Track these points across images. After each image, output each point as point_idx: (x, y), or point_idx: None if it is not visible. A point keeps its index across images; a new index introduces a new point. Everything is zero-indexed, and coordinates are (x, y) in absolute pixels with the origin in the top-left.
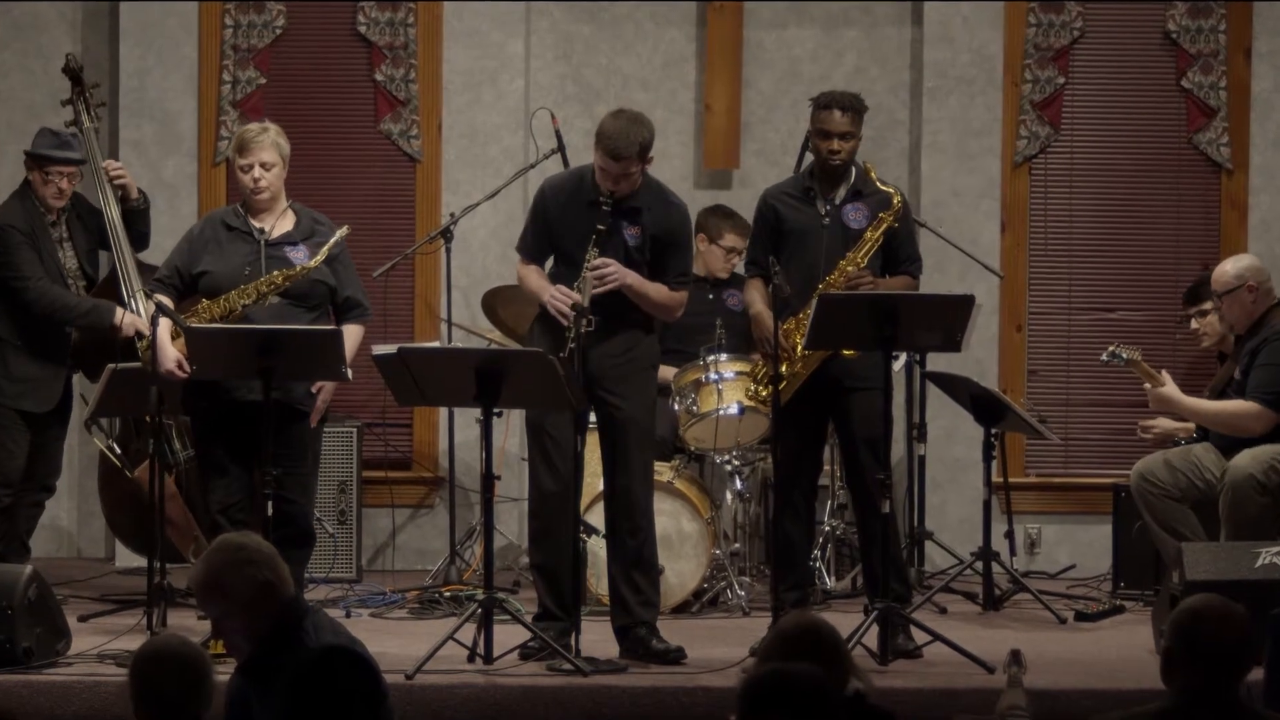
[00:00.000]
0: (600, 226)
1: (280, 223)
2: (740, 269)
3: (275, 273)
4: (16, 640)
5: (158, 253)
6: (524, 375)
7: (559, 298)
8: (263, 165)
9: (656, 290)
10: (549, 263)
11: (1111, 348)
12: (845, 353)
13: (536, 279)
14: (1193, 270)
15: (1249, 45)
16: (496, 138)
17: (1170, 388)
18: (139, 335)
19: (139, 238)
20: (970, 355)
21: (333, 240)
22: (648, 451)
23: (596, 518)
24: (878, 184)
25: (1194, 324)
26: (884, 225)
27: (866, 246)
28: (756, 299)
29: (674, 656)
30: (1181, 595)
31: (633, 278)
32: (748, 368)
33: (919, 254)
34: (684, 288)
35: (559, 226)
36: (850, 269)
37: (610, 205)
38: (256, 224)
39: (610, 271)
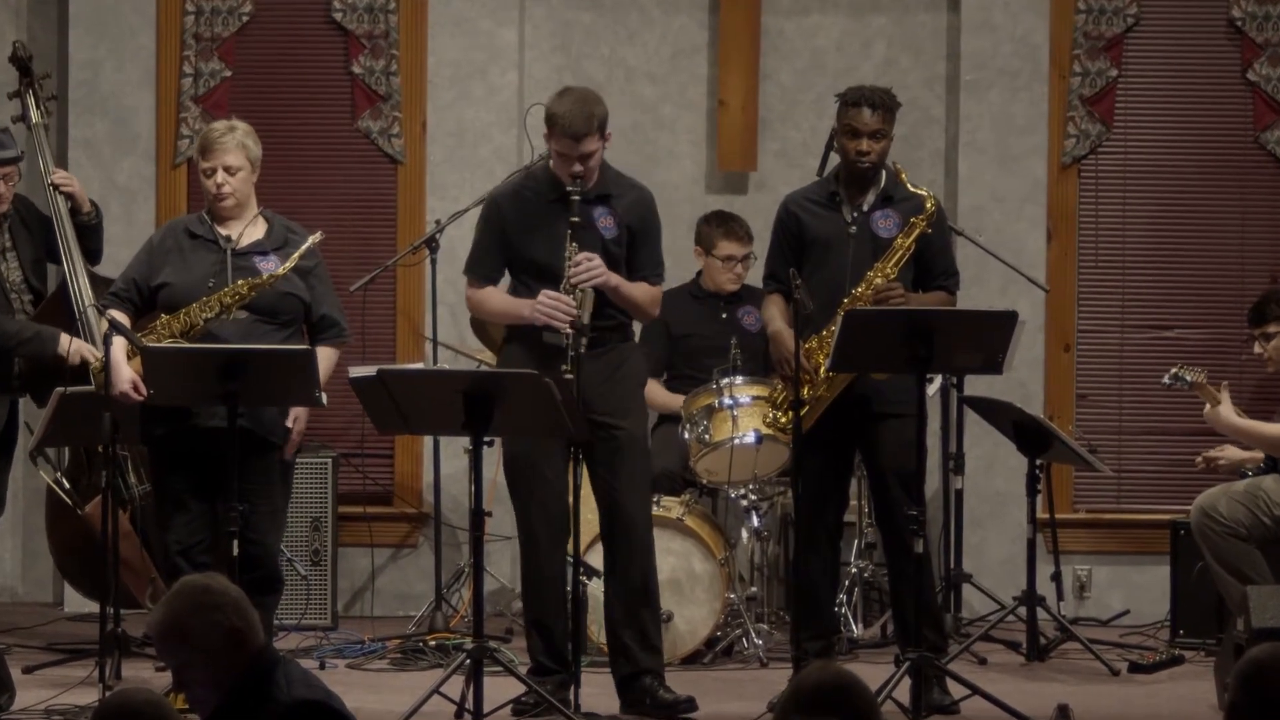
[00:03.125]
0: (574, 219)
1: (250, 231)
2: (751, 280)
3: (239, 282)
4: None
5: (111, 265)
6: (518, 399)
7: (548, 304)
8: (226, 169)
9: (640, 290)
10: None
11: (1174, 369)
12: (875, 375)
13: (503, 299)
14: (1260, 283)
15: None
16: (487, 137)
17: (1224, 407)
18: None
19: (89, 255)
20: (1013, 378)
21: (304, 246)
22: (649, 476)
23: (597, 559)
24: (910, 188)
25: (1257, 348)
26: (916, 231)
27: (897, 255)
28: (775, 316)
29: (684, 708)
30: (1247, 644)
31: (617, 279)
32: (765, 392)
33: (955, 266)
34: (661, 281)
35: (520, 235)
36: (879, 280)
37: (579, 194)
38: (223, 231)
39: (595, 264)
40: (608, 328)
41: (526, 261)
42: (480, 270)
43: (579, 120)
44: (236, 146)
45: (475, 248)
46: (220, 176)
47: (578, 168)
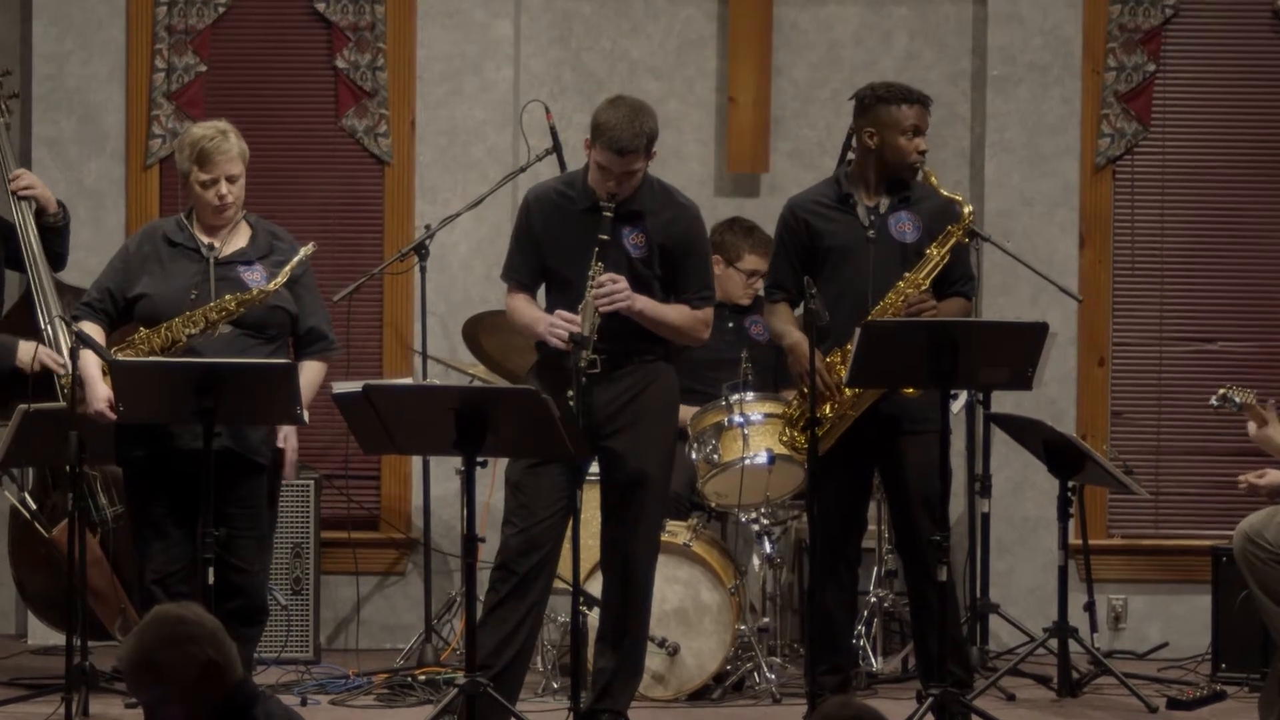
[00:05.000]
0: (603, 237)
1: (233, 238)
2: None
3: (227, 297)
4: None
5: (78, 272)
6: (513, 417)
7: (557, 324)
8: (229, 180)
9: (676, 313)
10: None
11: (1222, 390)
12: (907, 392)
13: (529, 310)
14: None
15: None
16: (480, 136)
17: (1273, 426)
18: (56, 373)
19: (54, 259)
20: (1043, 394)
21: (296, 259)
22: (658, 515)
23: (598, 587)
24: (937, 190)
25: None
26: (952, 240)
27: (931, 265)
28: (792, 328)
29: None
30: None
31: (643, 302)
32: (779, 409)
33: (972, 272)
34: (708, 304)
35: (548, 242)
36: (911, 292)
37: (613, 211)
38: (205, 239)
39: (619, 289)
40: (631, 345)
41: (551, 271)
42: (512, 275)
43: (626, 135)
44: (238, 155)
45: (510, 250)
46: (224, 188)
47: (613, 185)
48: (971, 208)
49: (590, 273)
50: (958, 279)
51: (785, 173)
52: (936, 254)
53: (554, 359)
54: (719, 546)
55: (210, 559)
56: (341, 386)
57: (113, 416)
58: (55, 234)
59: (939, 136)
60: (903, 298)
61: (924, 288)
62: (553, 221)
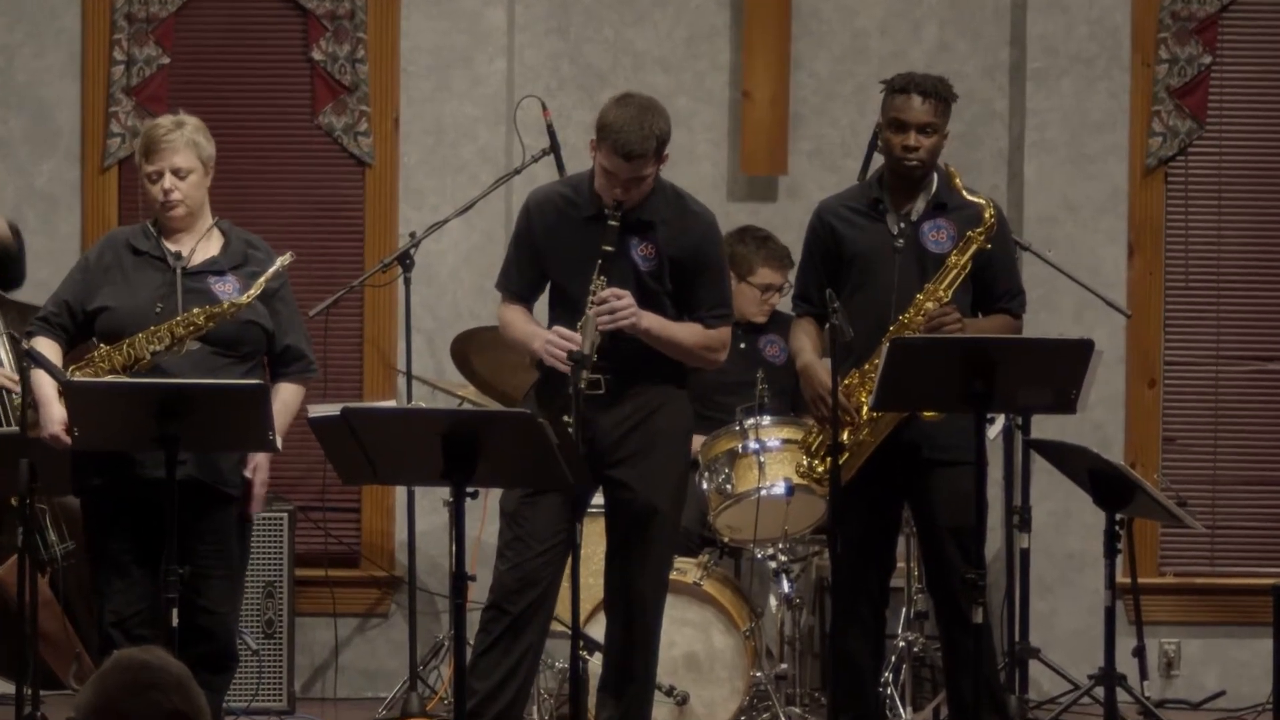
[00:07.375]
0: (607, 248)
1: (203, 246)
2: (783, 308)
3: (195, 310)
4: None
5: (28, 285)
6: (506, 443)
7: (555, 342)
8: (175, 172)
9: (688, 332)
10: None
11: None
12: (925, 415)
13: (523, 324)
14: None
15: None
16: (471, 135)
17: None
18: (7, 391)
19: (7, 282)
20: (1088, 418)
21: (271, 269)
22: (667, 552)
23: (599, 630)
24: (964, 194)
25: None
26: (973, 246)
27: (951, 274)
28: (806, 346)
29: None
30: None
31: (651, 320)
32: (798, 435)
33: (1021, 286)
34: (724, 323)
35: (549, 252)
36: (930, 305)
37: (619, 220)
38: (172, 247)
39: (623, 305)
40: (639, 365)
41: (553, 284)
42: (506, 285)
43: (634, 137)
44: (186, 145)
45: (506, 258)
46: (168, 181)
47: (619, 192)
48: (994, 210)
49: (591, 287)
50: (1002, 294)
51: (805, 175)
52: (956, 262)
53: (556, 378)
54: (732, 585)
55: (175, 599)
56: (318, 410)
57: (68, 441)
58: (8, 262)
59: (973, 135)
60: (921, 312)
61: (945, 300)
62: (555, 230)
